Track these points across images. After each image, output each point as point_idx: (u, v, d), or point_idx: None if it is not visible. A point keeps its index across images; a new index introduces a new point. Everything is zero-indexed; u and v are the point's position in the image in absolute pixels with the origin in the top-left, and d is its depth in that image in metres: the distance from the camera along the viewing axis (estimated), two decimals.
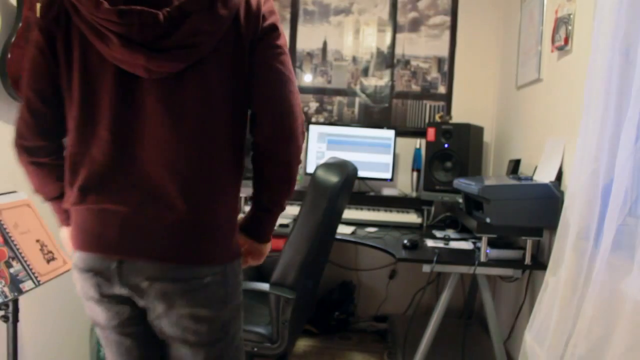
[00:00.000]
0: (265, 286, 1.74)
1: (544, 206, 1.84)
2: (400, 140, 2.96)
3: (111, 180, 1.00)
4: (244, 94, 1.06)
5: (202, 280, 1.02)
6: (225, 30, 0.99)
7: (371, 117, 3.07)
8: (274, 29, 1.06)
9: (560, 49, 1.99)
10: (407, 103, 3.05)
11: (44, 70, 1.03)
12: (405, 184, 3.01)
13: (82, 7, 0.93)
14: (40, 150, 1.09)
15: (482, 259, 1.97)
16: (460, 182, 2.16)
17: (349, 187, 1.87)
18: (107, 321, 1.09)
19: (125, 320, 1.08)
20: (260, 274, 2.23)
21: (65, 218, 1.17)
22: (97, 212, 1.01)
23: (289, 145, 1.08)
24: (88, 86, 1.00)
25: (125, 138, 0.99)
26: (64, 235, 1.22)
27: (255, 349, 1.78)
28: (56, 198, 1.14)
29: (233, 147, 1.06)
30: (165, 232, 1.00)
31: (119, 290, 1.03)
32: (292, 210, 2.62)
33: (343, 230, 2.38)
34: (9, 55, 1.56)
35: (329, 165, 1.71)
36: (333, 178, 1.67)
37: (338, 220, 1.98)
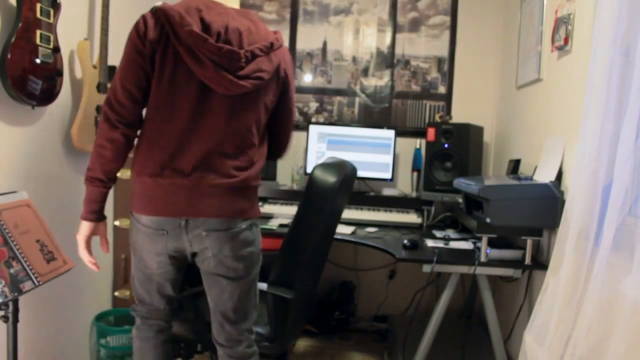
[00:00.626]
0: (263, 285, 1.74)
1: (544, 206, 1.84)
2: (400, 140, 2.96)
3: (180, 160, 1.38)
4: (270, 112, 1.54)
5: (241, 228, 1.46)
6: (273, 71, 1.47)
7: (371, 117, 3.07)
8: (291, 77, 1.57)
9: (560, 48, 1.99)
10: (407, 103, 3.05)
11: (143, 71, 1.38)
12: (405, 184, 3.01)
13: (191, 39, 1.32)
14: (134, 126, 1.43)
15: (482, 259, 1.97)
16: (460, 182, 2.16)
17: (348, 187, 1.87)
18: (158, 268, 1.49)
19: (171, 269, 1.50)
20: (260, 273, 2.23)
21: (98, 210, 1.46)
22: (169, 185, 1.39)
23: (287, 147, 1.69)
24: (173, 90, 1.38)
25: (193, 130, 1.39)
26: (86, 232, 1.46)
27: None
28: (110, 180, 1.44)
29: (261, 141, 1.53)
30: (218, 196, 1.41)
31: (182, 242, 1.43)
32: (291, 210, 2.62)
33: (343, 230, 2.39)
34: (9, 56, 1.56)
35: (327, 166, 1.71)
36: (331, 178, 1.66)
37: (337, 220, 1.98)
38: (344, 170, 1.73)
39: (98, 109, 2.00)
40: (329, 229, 1.88)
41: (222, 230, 1.44)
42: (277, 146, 1.65)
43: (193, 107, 1.38)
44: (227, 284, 1.50)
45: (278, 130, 1.61)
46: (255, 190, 1.53)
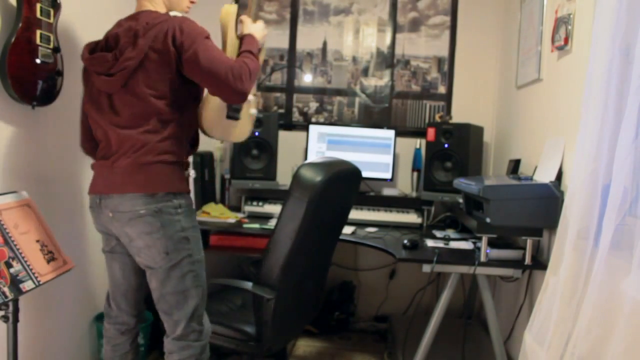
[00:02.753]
0: (248, 284, 1.73)
1: (544, 206, 1.84)
2: (400, 140, 2.96)
3: (104, 148, 1.57)
4: (172, 87, 1.59)
5: (139, 211, 1.48)
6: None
7: (371, 117, 3.07)
8: (185, 39, 1.53)
9: (560, 48, 1.99)
10: (407, 103, 3.05)
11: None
12: (405, 184, 3.01)
13: (85, 62, 1.57)
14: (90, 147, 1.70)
15: (482, 259, 1.97)
16: (460, 182, 2.16)
17: (342, 186, 1.82)
18: (104, 246, 1.67)
19: (112, 248, 1.65)
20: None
21: None
22: (96, 167, 1.60)
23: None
24: (94, 102, 1.60)
25: (111, 126, 1.54)
26: None
27: (240, 346, 1.78)
28: None
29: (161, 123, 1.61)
30: (120, 174, 1.50)
31: (102, 221, 1.59)
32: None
33: (343, 230, 2.38)
34: (9, 56, 1.56)
35: (312, 165, 1.67)
36: (315, 177, 1.62)
37: (336, 220, 1.97)
38: (333, 170, 1.68)
39: None
40: (321, 229, 1.83)
41: (121, 210, 1.51)
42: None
43: (106, 111, 1.56)
44: (146, 269, 1.57)
45: (211, 91, 1.57)
46: (168, 168, 1.53)
